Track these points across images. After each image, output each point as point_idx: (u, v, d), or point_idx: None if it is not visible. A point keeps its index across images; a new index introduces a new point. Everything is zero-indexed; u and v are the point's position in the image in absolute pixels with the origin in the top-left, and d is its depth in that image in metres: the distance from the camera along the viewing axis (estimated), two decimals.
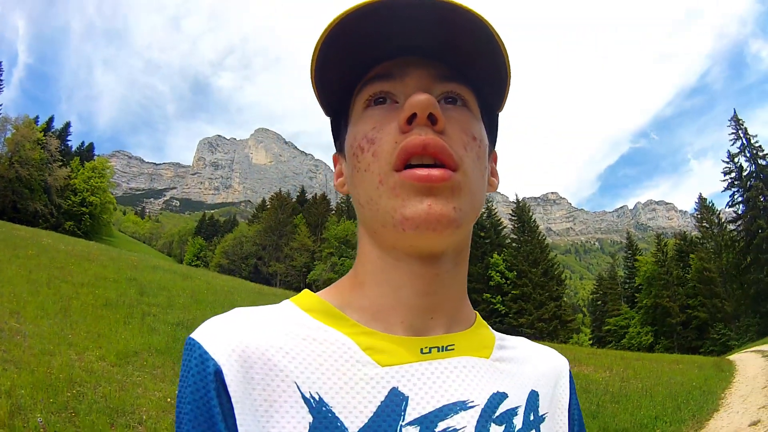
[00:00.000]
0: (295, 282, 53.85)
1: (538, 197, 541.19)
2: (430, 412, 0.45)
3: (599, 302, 58.95)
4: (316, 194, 76.74)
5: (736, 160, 38.76)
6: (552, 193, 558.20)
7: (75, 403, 4.38)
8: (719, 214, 47.42)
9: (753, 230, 35.93)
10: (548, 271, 44.81)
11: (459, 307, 0.53)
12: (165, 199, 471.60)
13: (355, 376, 0.45)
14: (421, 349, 0.48)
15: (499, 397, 0.49)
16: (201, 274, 21.24)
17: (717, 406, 8.69)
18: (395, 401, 0.44)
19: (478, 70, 0.49)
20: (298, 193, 77.49)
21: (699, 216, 47.35)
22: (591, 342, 53.55)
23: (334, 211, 65.66)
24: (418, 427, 0.43)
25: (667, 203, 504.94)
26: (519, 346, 0.59)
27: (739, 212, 38.73)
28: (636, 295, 48.29)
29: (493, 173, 0.57)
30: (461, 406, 0.46)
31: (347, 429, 0.42)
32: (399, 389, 0.45)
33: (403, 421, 0.43)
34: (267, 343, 0.45)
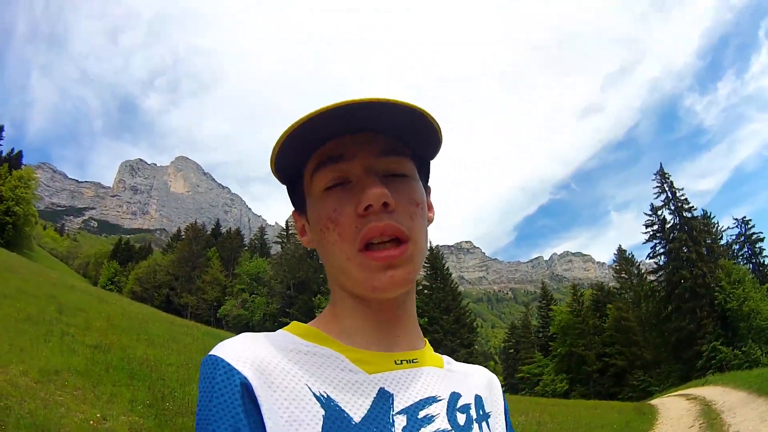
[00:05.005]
0: (206, 315, 52.76)
1: (452, 245, 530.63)
2: (412, 404, 0.57)
3: (512, 350, 58.50)
4: (230, 228, 74.56)
5: (659, 212, 39.13)
6: (466, 242, 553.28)
7: (3, 415, 4.45)
8: (638, 265, 47.91)
9: (675, 280, 35.98)
10: (460, 319, 44.11)
11: (414, 328, 0.67)
12: (84, 218, 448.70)
13: (351, 380, 0.56)
14: (395, 361, 0.60)
15: (456, 395, 0.63)
16: (115, 299, 21.27)
17: None
18: (384, 397, 0.55)
19: (414, 140, 0.61)
20: (213, 226, 73.92)
21: (618, 267, 47.70)
22: (504, 389, 50.77)
23: (247, 248, 65.24)
24: (405, 415, 0.55)
25: (584, 255, 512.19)
26: (459, 364, 0.73)
27: (660, 263, 38.87)
28: (550, 343, 47.45)
29: (430, 207, 0.68)
30: (433, 399, 0.59)
31: (352, 418, 0.52)
32: (385, 389, 0.56)
33: (393, 411, 0.55)
34: (277, 356, 0.54)
